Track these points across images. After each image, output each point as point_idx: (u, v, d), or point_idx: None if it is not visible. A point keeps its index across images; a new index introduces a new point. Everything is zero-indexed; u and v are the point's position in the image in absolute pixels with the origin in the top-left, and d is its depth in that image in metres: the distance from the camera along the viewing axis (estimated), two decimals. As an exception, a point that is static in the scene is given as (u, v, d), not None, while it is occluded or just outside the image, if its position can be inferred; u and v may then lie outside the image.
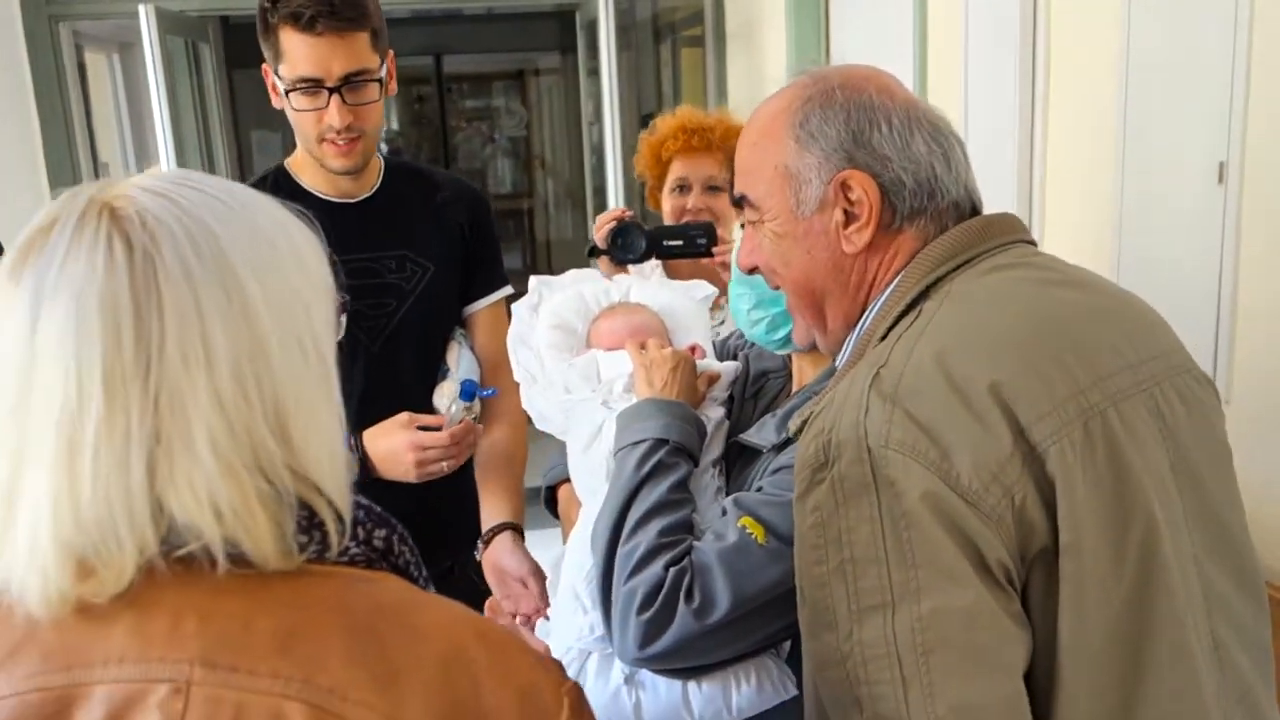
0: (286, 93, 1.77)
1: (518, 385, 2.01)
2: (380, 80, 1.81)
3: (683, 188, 2.21)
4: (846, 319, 1.19)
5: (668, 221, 2.23)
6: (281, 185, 1.93)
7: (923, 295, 1.10)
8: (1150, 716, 1.00)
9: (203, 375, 0.77)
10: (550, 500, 1.76)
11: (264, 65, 1.85)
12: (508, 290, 2.13)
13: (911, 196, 1.12)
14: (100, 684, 0.77)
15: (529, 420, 2.15)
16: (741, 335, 1.57)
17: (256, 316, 0.80)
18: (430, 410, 1.92)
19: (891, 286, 1.13)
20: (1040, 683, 0.99)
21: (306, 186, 1.92)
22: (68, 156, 4.70)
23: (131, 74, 6.17)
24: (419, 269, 1.96)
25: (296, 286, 0.84)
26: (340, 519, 0.83)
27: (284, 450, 0.80)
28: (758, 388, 1.54)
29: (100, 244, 0.77)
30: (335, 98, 1.76)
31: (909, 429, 0.97)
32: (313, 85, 1.76)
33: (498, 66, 11.11)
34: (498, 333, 2.09)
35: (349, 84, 1.77)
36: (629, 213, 2.05)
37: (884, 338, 1.09)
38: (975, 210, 1.16)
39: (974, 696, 0.95)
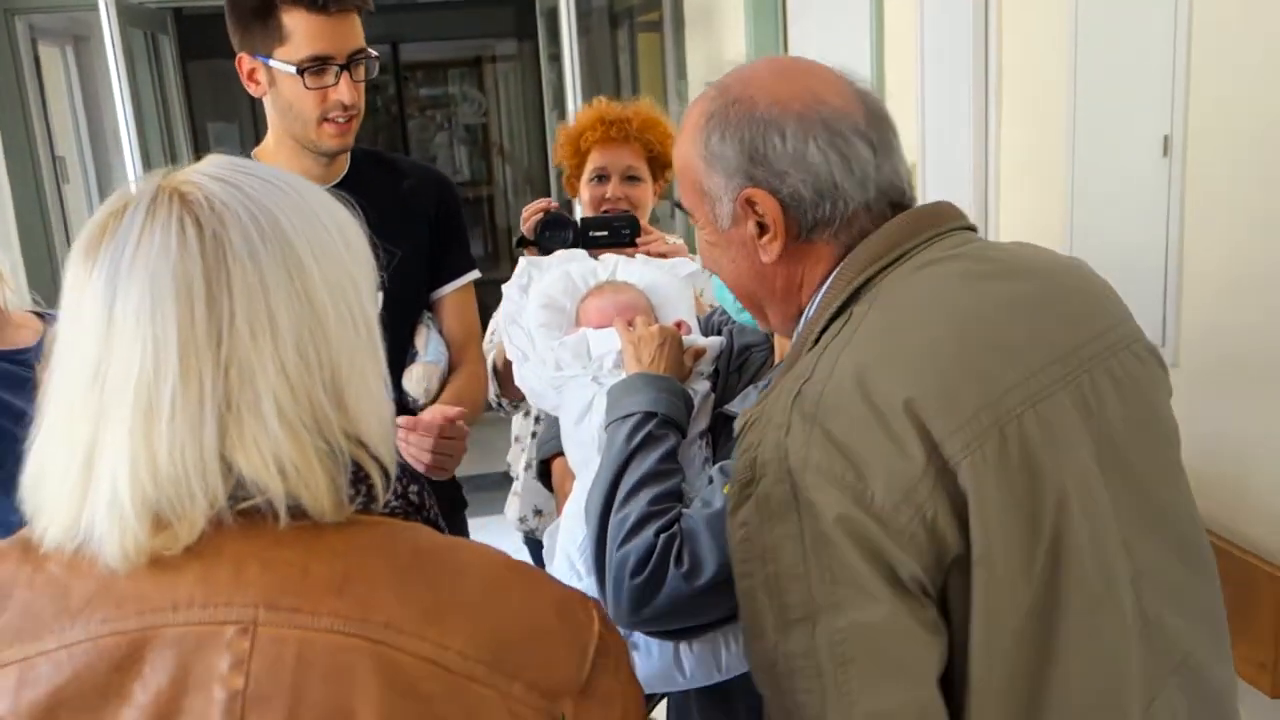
0: (300, 71, 1.80)
1: (482, 359, 2.07)
2: (376, 58, 1.89)
3: (601, 177, 2.27)
4: (784, 320, 1.22)
5: (585, 210, 2.29)
6: None
7: (853, 298, 1.11)
8: (1058, 702, 1.03)
9: (269, 346, 0.84)
10: (544, 474, 1.81)
11: (240, 55, 1.87)
12: (475, 274, 2.18)
13: (813, 207, 1.12)
14: (170, 627, 0.83)
15: (494, 407, 2.22)
16: (725, 312, 1.62)
17: (315, 293, 0.87)
18: (400, 392, 1.97)
19: (823, 291, 1.14)
20: (956, 681, 1.02)
21: None
22: (26, 150, 4.70)
23: (86, 67, 6.12)
24: (387, 256, 2.00)
25: (346, 265, 0.92)
26: (386, 475, 0.90)
27: (339, 414, 0.88)
28: (741, 360, 1.59)
29: (173, 226, 0.84)
30: (345, 75, 1.83)
31: (826, 450, 1.00)
32: (323, 63, 1.81)
33: (455, 54, 11.08)
34: (465, 315, 2.14)
35: (353, 62, 1.84)
36: (554, 204, 2.11)
37: (817, 341, 1.11)
38: (902, 204, 1.15)
39: (887, 704, 0.99)
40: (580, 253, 1.88)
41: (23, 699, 0.82)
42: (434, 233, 2.09)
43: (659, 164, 2.29)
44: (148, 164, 4.83)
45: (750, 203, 1.14)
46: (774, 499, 1.02)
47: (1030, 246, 1.22)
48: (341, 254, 0.92)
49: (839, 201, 1.12)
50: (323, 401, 0.86)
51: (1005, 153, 2.53)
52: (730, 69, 1.20)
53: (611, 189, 2.25)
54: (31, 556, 0.88)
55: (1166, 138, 1.93)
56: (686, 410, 1.46)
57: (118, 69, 4.39)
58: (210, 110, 7.80)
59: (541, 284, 1.76)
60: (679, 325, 1.64)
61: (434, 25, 8.39)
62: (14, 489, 1.98)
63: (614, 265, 1.81)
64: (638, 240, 2.09)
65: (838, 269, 1.13)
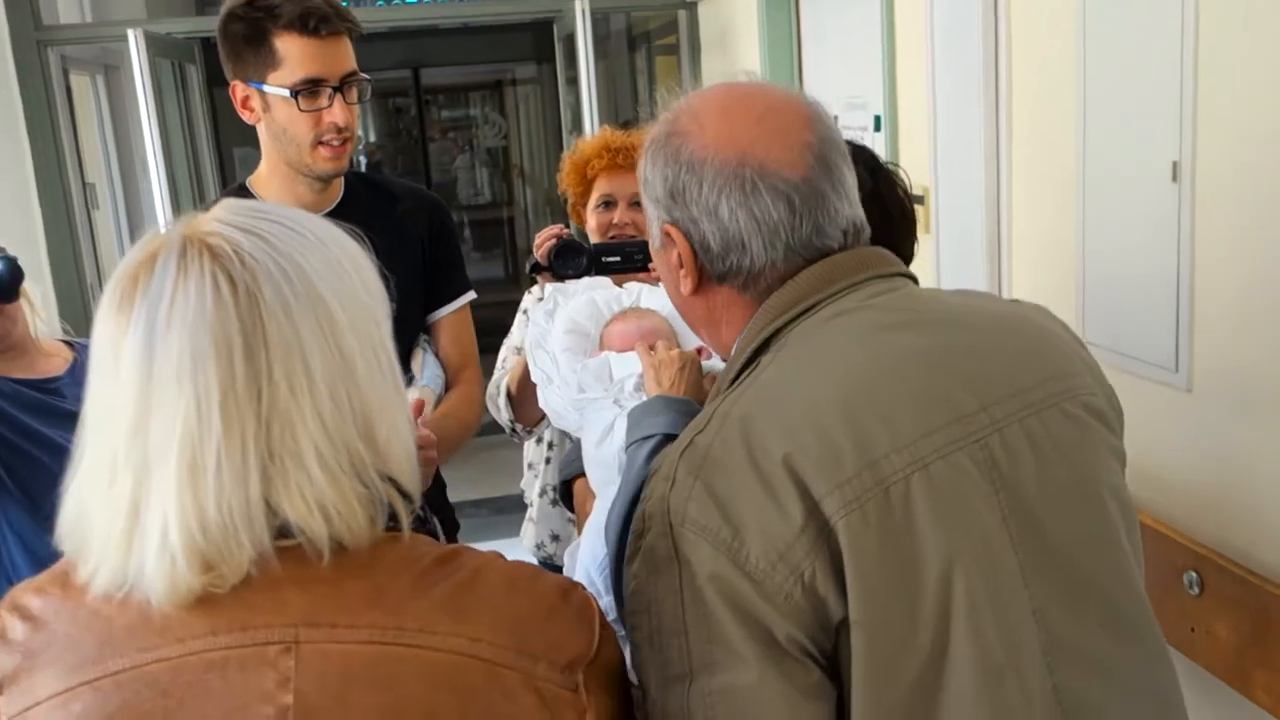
0: (294, 94, 1.83)
1: (479, 380, 2.10)
2: (368, 80, 1.92)
3: (608, 204, 2.31)
4: (719, 349, 1.22)
5: (593, 237, 2.32)
6: None
7: (763, 347, 1.11)
8: None
9: (306, 398, 0.89)
10: (566, 494, 1.84)
11: (234, 83, 1.90)
12: (471, 296, 2.20)
13: (719, 258, 1.12)
14: (213, 652, 0.87)
15: (509, 433, 2.25)
16: None
17: (344, 339, 0.92)
18: None
19: (740, 337, 1.14)
20: None
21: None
22: (57, 177, 4.77)
23: (116, 95, 6.23)
24: (383, 279, 2.04)
25: (367, 305, 0.96)
26: (410, 505, 0.96)
27: (372, 454, 0.92)
28: None
29: (206, 281, 0.88)
30: (339, 97, 1.86)
31: (705, 506, 0.99)
32: (316, 85, 1.84)
33: (474, 78, 11.18)
34: (461, 338, 2.17)
35: (346, 84, 1.87)
36: (567, 230, 2.14)
37: (728, 388, 1.11)
38: (834, 251, 1.12)
39: None
40: (605, 280, 1.92)
41: None
42: (429, 255, 2.11)
43: None
44: (174, 189, 4.91)
45: (669, 235, 1.15)
46: (658, 553, 1.01)
47: (971, 295, 1.19)
48: (361, 295, 0.96)
49: (744, 258, 1.11)
50: (357, 445, 0.91)
51: (1017, 178, 2.55)
52: (700, 88, 1.19)
53: (619, 214, 2.29)
54: (72, 592, 0.92)
55: (1175, 164, 1.95)
56: None
57: (146, 98, 4.47)
58: (235, 135, 7.90)
59: (567, 309, 1.80)
60: (699, 351, 1.68)
61: (455, 50, 8.49)
62: (42, 514, 2.03)
63: (638, 293, 1.85)
64: (650, 265, 2.12)
65: (751, 320, 1.13)
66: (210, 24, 6.62)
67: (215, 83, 6.81)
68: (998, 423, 1.05)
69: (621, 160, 2.29)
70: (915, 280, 1.17)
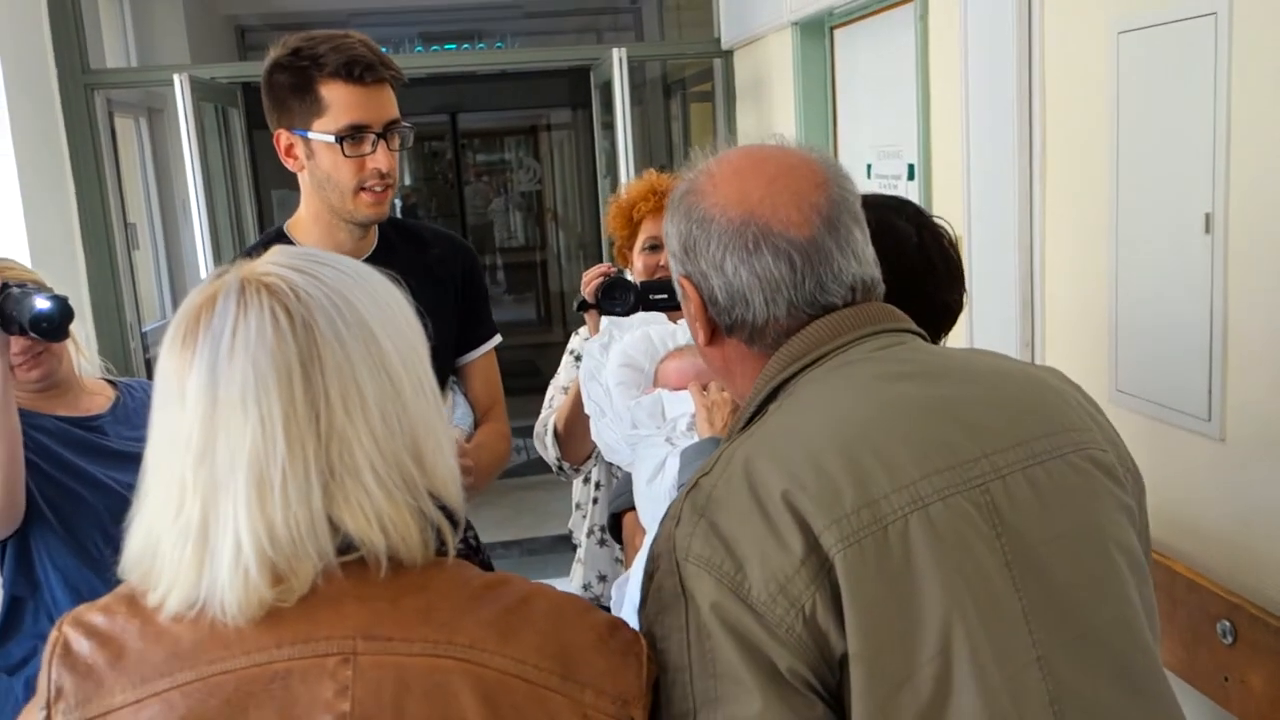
0: (339, 140, 1.87)
1: (506, 419, 2.14)
2: (410, 127, 1.96)
3: (654, 246, 2.36)
4: (737, 399, 1.26)
5: (639, 278, 2.36)
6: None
7: (771, 397, 1.15)
8: None
9: (360, 418, 0.96)
10: (615, 526, 1.88)
11: (278, 131, 1.94)
12: (497, 339, 2.24)
13: (726, 311, 1.17)
14: (276, 663, 0.93)
15: (555, 471, 2.28)
16: None
17: (391, 365, 1.00)
18: None
19: (753, 387, 1.18)
20: None
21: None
22: (100, 218, 4.86)
23: (159, 137, 6.36)
24: (420, 317, 2.08)
25: (409, 336, 1.04)
26: (454, 525, 1.02)
27: (420, 473, 1.00)
28: None
29: (265, 314, 0.96)
30: (382, 143, 1.90)
31: (709, 541, 1.02)
32: (361, 132, 1.88)
33: (510, 123, 11.33)
34: (490, 380, 2.21)
35: (389, 131, 1.91)
36: (614, 269, 2.17)
37: (739, 433, 1.15)
38: (838, 308, 1.16)
39: None
40: (660, 316, 1.95)
41: None
42: (460, 300, 2.15)
43: None
44: (214, 230, 4.99)
45: (684, 288, 1.22)
46: (665, 591, 1.04)
47: (981, 353, 1.22)
48: (404, 329, 1.04)
49: (748, 312, 1.16)
50: (408, 463, 0.98)
51: (1050, 228, 2.57)
52: (725, 149, 1.25)
53: (665, 257, 2.32)
54: (139, 611, 0.97)
55: (1208, 215, 1.96)
56: None
57: (190, 140, 4.56)
58: (273, 178, 8.03)
59: (622, 343, 1.84)
60: None
61: (491, 95, 8.61)
62: (84, 549, 2.06)
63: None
64: None
65: (763, 370, 1.17)
66: (253, 69, 6.76)
67: (255, 126, 6.95)
68: (1000, 470, 1.07)
69: (665, 202, 2.33)
70: (924, 337, 1.21)
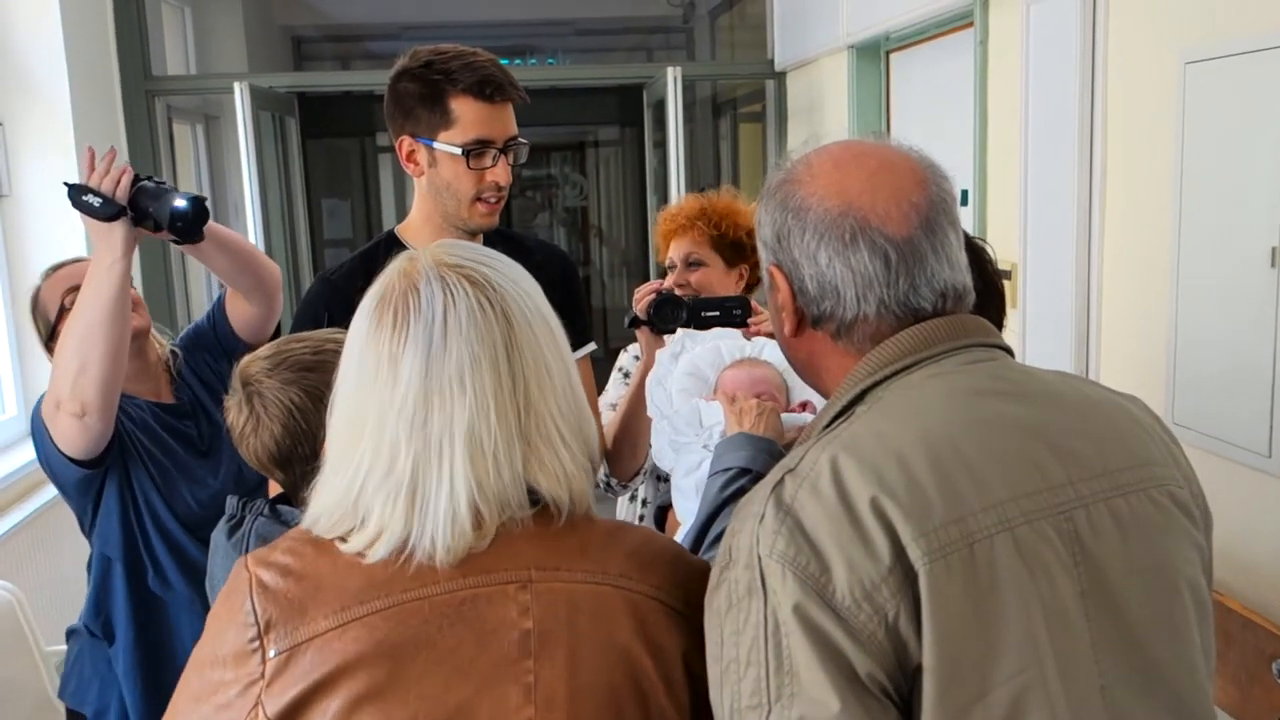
0: (465, 153, 1.94)
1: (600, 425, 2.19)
2: (526, 143, 2.04)
3: (671, 267, 2.42)
4: (821, 393, 1.24)
5: None
6: (394, 251, 2.09)
7: (860, 398, 1.13)
8: None
9: (550, 394, 1.13)
10: (660, 518, 1.97)
11: (401, 138, 2.00)
12: (592, 347, 2.28)
13: (815, 303, 1.15)
14: (463, 590, 1.09)
15: (603, 488, 2.33)
16: None
17: (562, 349, 1.17)
18: None
19: (839, 386, 1.16)
20: None
21: None
22: (157, 222, 4.93)
23: (215, 143, 6.46)
24: None
25: (561, 327, 1.20)
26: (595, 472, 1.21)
27: (583, 443, 1.16)
28: None
29: (473, 303, 1.11)
30: (503, 158, 1.98)
31: (794, 540, 1.00)
32: (485, 147, 1.96)
33: (558, 138, 11.39)
34: (585, 384, 2.24)
35: (509, 147, 1.99)
36: (666, 285, 2.19)
37: (821, 433, 1.12)
38: (924, 316, 1.14)
39: None
40: (734, 331, 1.99)
41: (350, 650, 1.06)
42: (559, 306, 2.18)
43: (728, 245, 2.40)
44: (268, 235, 5.05)
45: (773, 276, 1.20)
46: (742, 585, 1.03)
47: (1069, 377, 1.20)
48: (558, 321, 1.19)
49: (839, 306, 1.14)
50: (578, 429, 1.16)
51: (1108, 256, 2.55)
52: (827, 140, 1.23)
53: (675, 276, 2.40)
54: (327, 550, 1.12)
55: (1275, 249, 1.95)
56: None
57: (248, 147, 4.63)
58: (323, 186, 8.12)
59: (692, 354, 1.90)
60: (805, 405, 1.72)
61: (541, 111, 8.65)
62: (186, 506, 2.16)
63: (761, 346, 1.90)
64: (749, 320, 2.16)
65: (851, 372, 1.15)
66: (310, 79, 6.87)
67: (309, 135, 7.04)
68: (1084, 499, 1.06)
69: (671, 225, 2.42)
70: (1011, 353, 1.20)
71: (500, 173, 1.98)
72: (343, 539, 1.11)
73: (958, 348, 1.13)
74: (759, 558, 1.02)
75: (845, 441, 1.06)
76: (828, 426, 1.13)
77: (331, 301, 2.01)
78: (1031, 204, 2.89)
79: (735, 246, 2.39)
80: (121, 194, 2.01)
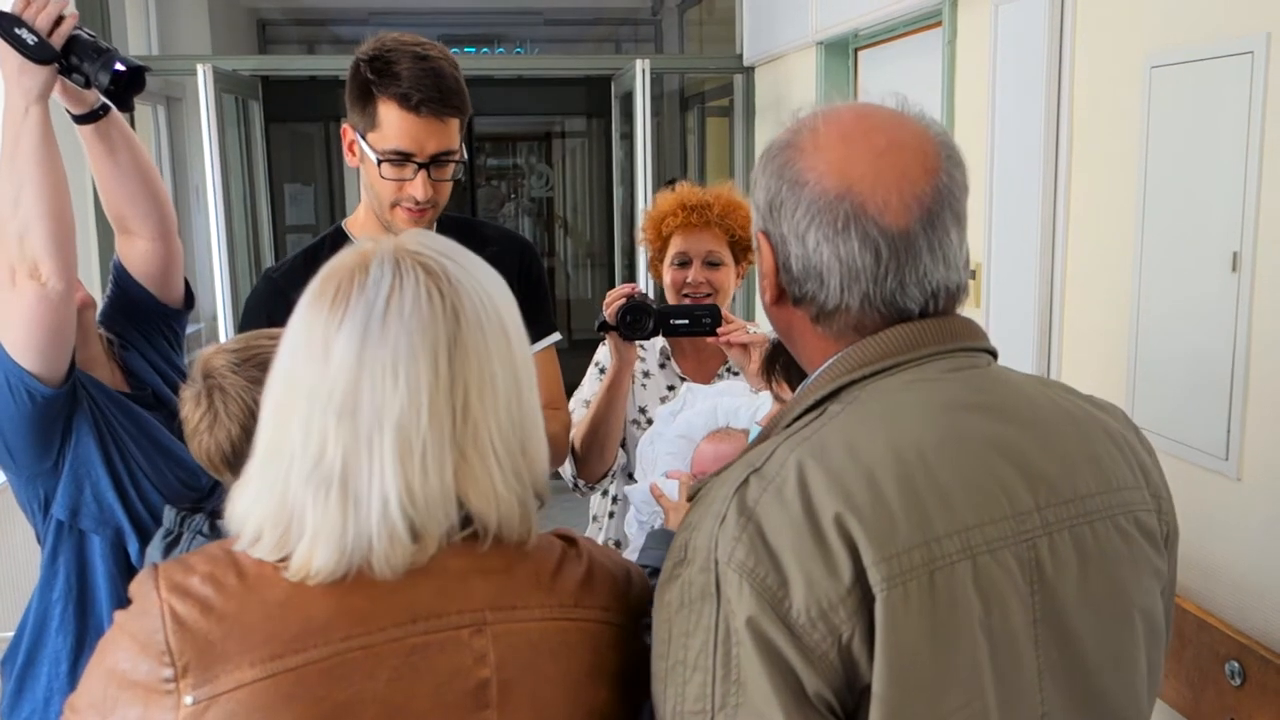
0: (379, 161, 1.87)
1: (561, 420, 2.14)
2: (461, 161, 1.93)
3: (683, 262, 2.32)
4: (801, 364, 1.19)
5: (668, 293, 2.35)
6: (340, 246, 2.05)
7: (834, 394, 1.08)
8: None
9: (490, 405, 1.03)
10: None
11: (345, 125, 1.94)
12: (556, 337, 2.22)
13: (798, 283, 1.10)
14: (413, 637, 1.00)
15: (573, 487, 2.29)
16: None
17: (517, 364, 1.07)
18: None
19: (812, 379, 1.13)
20: None
21: None
22: (116, 204, 4.86)
23: (176, 126, 6.38)
24: None
25: (524, 339, 1.11)
26: (542, 505, 1.12)
27: (526, 463, 1.07)
28: None
29: (421, 291, 1.02)
30: (422, 173, 1.88)
31: (754, 549, 0.97)
32: (403, 159, 1.87)
33: (524, 128, 11.34)
34: (547, 376, 2.19)
35: (435, 162, 1.89)
36: (638, 290, 2.15)
37: (789, 425, 1.10)
38: (906, 317, 1.09)
39: None
40: (738, 386, 1.95)
41: (280, 709, 0.96)
42: (519, 295, 2.15)
43: (741, 248, 2.34)
44: (229, 220, 4.99)
45: (760, 242, 1.14)
46: (696, 587, 1.00)
47: (1049, 387, 1.17)
48: (523, 333, 1.11)
49: (821, 291, 1.08)
50: (518, 453, 1.06)
51: (1072, 258, 2.57)
52: (839, 102, 1.16)
53: (693, 274, 2.30)
54: (253, 582, 1.00)
55: (1236, 254, 1.96)
56: None
57: (210, 131, 4.57)
58: (286, 171, 8.03)
59: (688, 414, 1.88)
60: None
61: (507, 100, 8.60)
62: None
63: (757, 406, 1.88)
64: (718, 330, 2.14)
65: (829, 363, 1.10)
66: (275, 63, 6.78)
67: (272, 119, 6.96)
68: (1049, 526, 1.04)
69: (696, 218, 2.31)
70: (995, 355, 1.16)
71: (418, 188, 1.88)
72: (279, 564, 1.01)
73: (942, 352, 1.09)
74: (716, 562, 0.99)
75: (814, 446, 1.03)
76: (798, 418, 1.09)
77: (273, 300, 1.92)
78: (996, 203, 2.90)
79: (739, 245, 2.34)
80: (59, 38, 1.82)
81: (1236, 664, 1.90)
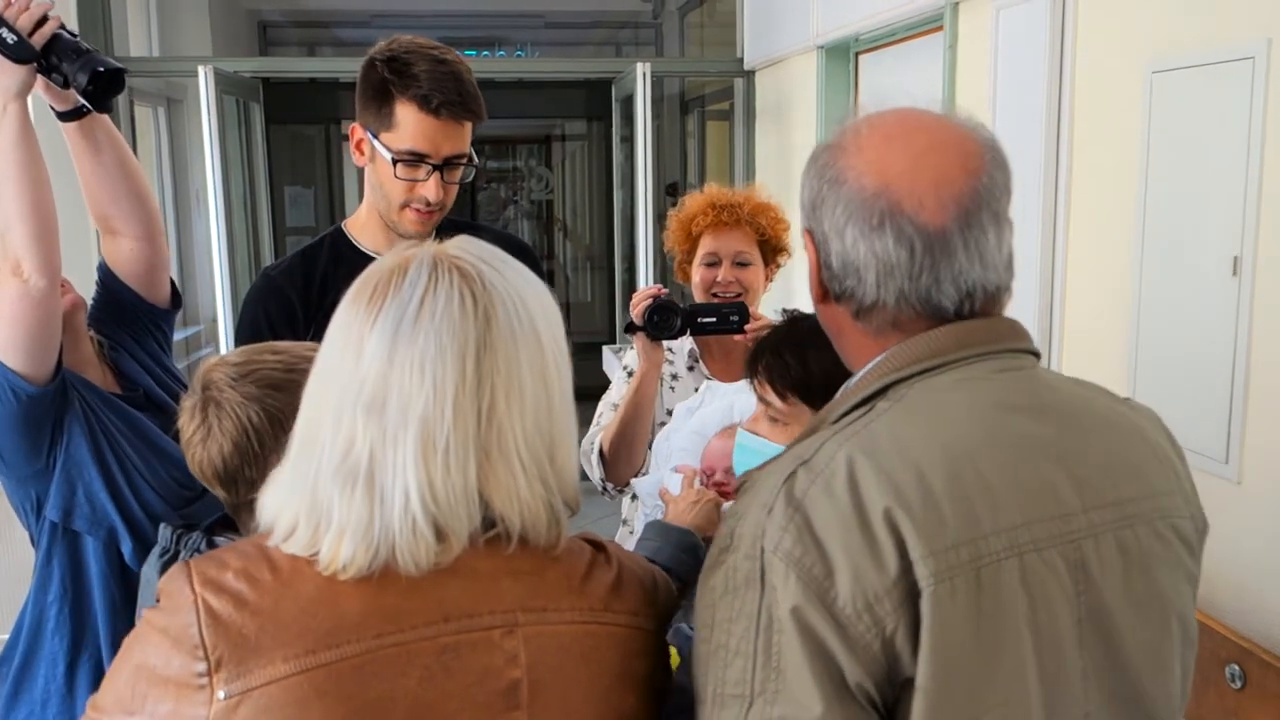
0: (394, 161, 1.87)
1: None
2: (473, 164, 1.94)
3: (712, 262, 2.31)
4: (846, 364, 1.20)
5: (696, 294, 2.33)
6: (339, 247, 2.04)
7: (882, 391, 1.09)
8: None
9: (517, 411, 1.04)
10: None
11: (354, 125, 1.94)
12: None
13: (837, 279, 1.11)
14: (444, 636, 1.02)
15: (600, 491, 2.29)
16: None
17: (549, 373, 1.08)
18: None
19: (858, 376, 1.14)
20: None
21: (365, 249, 2.01)
22: (117, 205, 4.85)
23: (177, 127, 6.38)
24: None
25: (561, 348, 1.11)
26: (572, 515, 1.13)
27: (553, 471, 1.08)
28: None
29: (455, 293, 1.04)
30: (436, 175, 1.89)
31: (801, 539, 0.98)
32: (418, 159, 1.87)
33: (524, 131, 11.33)
34: None
35: (448, 165, 1.90)
36: (664, 291, 2.14)
37: (837, 421, 1.10)
38: (943, 317, 1.10)
39: None
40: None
41: (313, 703, 0.97)
42: None
43: (770, 248, 2.34)
44: (229, 221, 4.99)
45: (806, 239, 1.15)
46: (740, 573, 1.01)
47: (1091, 392, 1.18)
48: (559, 339, 1.11)
49: (859, 287, 1.09)
50: (544, 460, 1.07)
51: (1072, 264, 2.57)
52: (889, 103, 1.17)
53: (723, 273, 2.29)
54: (286, 577, 1.02)
55: (1236, 258, 1.97)
56: (695, 561, 1.51)
57: (211, 132, 4.57)
58: (287, 173, 8.03)
59: (704, 412, 1.88)
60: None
61: (508, 103, 8.61)
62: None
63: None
64: (746, 328, 2.13)
65: (877, 360, 1.11)
66: (276, 64, 6.78)
67: (273, 121, 6.97)
68: (1095, 527, 1.05)
69: (726, 217, 2.30)
70: (1039, 356, 1.17)
71: (431, 189, 1.89)
72: (311, 559, 1.02)
73: (990, 353, 1.10)
74: (762, 550, 1.00)
75: (864, 442, 1.04)
76: (846, 415, 1.10)
77: (269, 297, 1.94)
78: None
79: (769, 245, 2.34)
80: (40, 38, 1.83)
81: (1237, 667, 1.91)
